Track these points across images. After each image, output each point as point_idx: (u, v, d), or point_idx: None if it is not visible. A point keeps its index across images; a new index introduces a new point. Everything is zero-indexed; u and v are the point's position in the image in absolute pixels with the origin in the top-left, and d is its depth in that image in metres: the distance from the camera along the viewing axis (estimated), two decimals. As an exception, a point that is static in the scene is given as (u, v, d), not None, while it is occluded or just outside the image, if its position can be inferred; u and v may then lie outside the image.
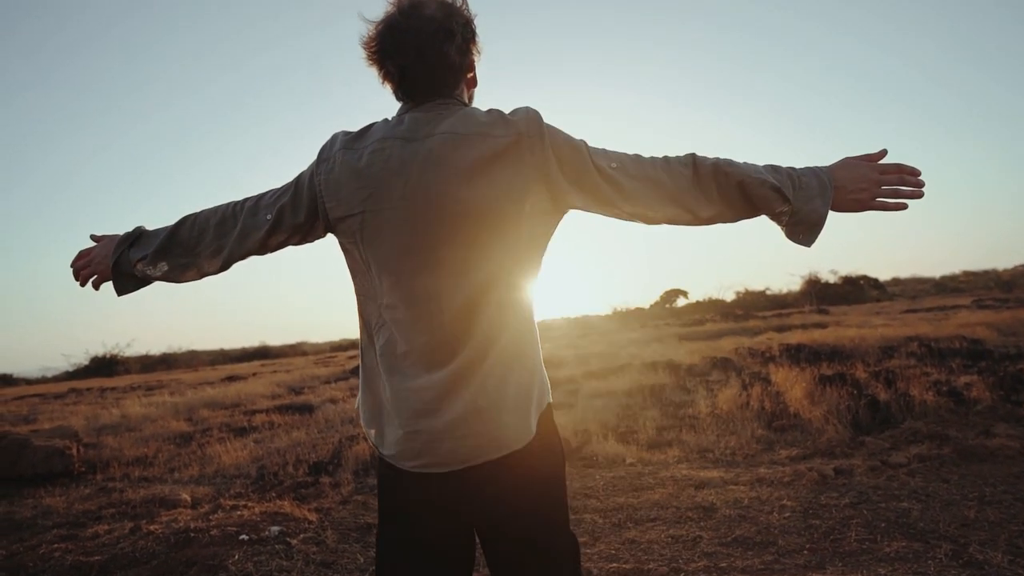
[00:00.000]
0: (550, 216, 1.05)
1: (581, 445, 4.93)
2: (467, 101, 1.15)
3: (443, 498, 1.04)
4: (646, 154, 1.07)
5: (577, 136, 1.06)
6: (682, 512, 3.23)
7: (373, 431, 1.09)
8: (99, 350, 34.63)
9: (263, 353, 38.46)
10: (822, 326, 14.09)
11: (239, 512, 3.52)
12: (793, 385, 6.06)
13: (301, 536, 3.11)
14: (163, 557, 3.00)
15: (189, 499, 4.15)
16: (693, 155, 1.06)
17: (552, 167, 1.01)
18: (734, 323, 19.33)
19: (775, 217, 1.06)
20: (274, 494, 4.02)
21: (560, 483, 1.10)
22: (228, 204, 1.18)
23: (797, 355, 8.59)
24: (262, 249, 1.15)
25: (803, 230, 1.05)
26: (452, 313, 1.00)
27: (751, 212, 1.07)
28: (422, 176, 1.00)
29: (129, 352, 34.82)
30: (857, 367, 6.74)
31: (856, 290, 30.79)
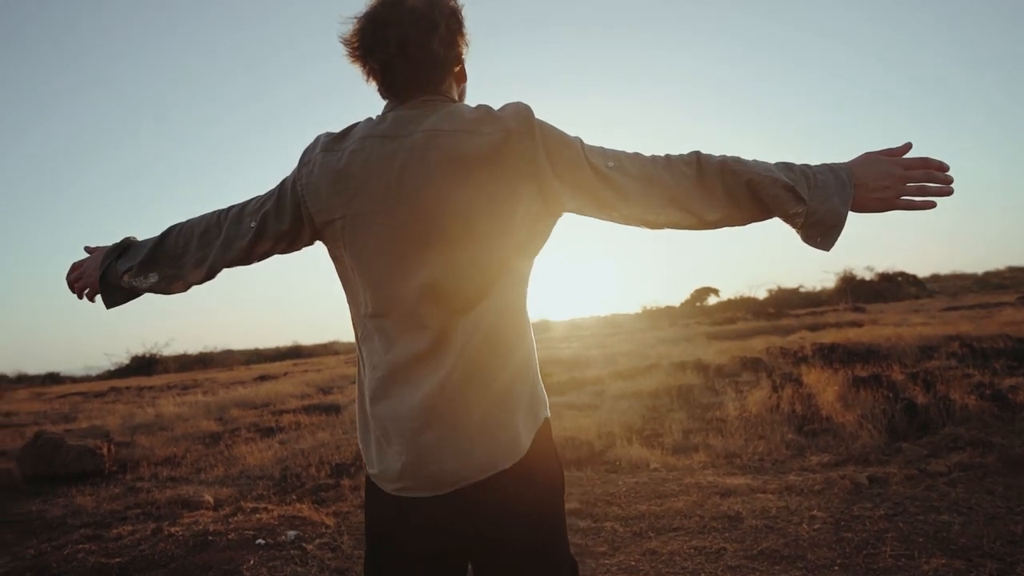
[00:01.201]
0: (542, 219, 0.98)
1: (604, 449, 4.83)
2: (456, 97, 1.08)
3: (429, 522, 0.97)
4: (647, 152, 0.99)
5: (572, 134, 0.99)
6: (706, 522, 3.12)
7: (363, 447, 1.04)
8: (139, 349, 35.72)
9: (296, 352, 39.19)
10: (857, 325, 13.66)
11: (258, 515, 3.54)
12: (826, 387, 5.86)
13: (317, 541, 3.10)
14: (181, 560, 3.03)
15: (212, 500, 4.19)
16: (697, 153, 0.98)
17: (543, 165, 0.94)
18: (766, 322, 18.90)
19: (789, 219, 0.96)
20: (294, 497, 4.04)
21: (556, 505, 1.02)
22: (214, 212, 1.14)
23: (830, 355, 8.31)
24: (247, 258, 1.11)
25: (820, 232, 0.95)
26: (435, 323, 0.94)
27: (762, 214, 0.98)
28: (403, 177, 0.95)
29: (168, 351, 35.85)
30: (894, 368, 6.48)
31: (893, 287, 29.84)
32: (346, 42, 0.99)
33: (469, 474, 0.94)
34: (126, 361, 35.85)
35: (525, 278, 1.00)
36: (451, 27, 0.99)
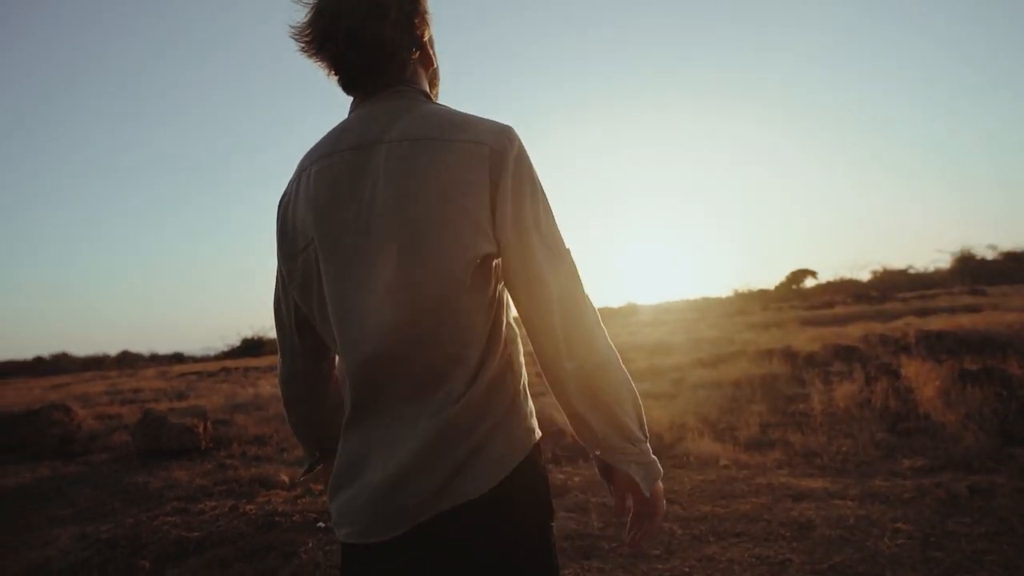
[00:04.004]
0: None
1: (674, 442, 4.65)
2: (426, 85, 1.00)
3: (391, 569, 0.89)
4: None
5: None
6: (773, 528, 2.90)
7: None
8: (248, 332, 38.72)
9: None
10: (974, 309, 12.29)
11: (323, 498, 3.70)
12: (927, 381, 5.30)
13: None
14: (249, 539, 3.22)
15: (286, 480, 4.44)
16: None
17: (501, 198, 0.85)
18: (867, 306, 17.47)
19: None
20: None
21: (540, 541, 0.92)
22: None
23: (937, 344, 7.53)
24: (314, 355, 1.04)
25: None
26: (400, 347, 0.87)
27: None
28: (372, 194, 0.87)
29: (274, 334, 38.71)
30: (1011, 361, 5.74)
31: (1021, 267, 26.55)
32: (296, 36, 0.92)
33: (429, 507, 0.86)
34: (237, 343, 39.04)
35: (503, 294, 0.92)
36: (404, 9, 0.91)
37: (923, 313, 13.03)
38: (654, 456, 0.92)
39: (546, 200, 0.90)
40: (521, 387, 0.93)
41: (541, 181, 0.91)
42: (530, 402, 0.95)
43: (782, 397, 6.12)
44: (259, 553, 2.96)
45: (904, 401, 4.97)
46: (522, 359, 0.96)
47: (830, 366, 7.69)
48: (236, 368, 21.03)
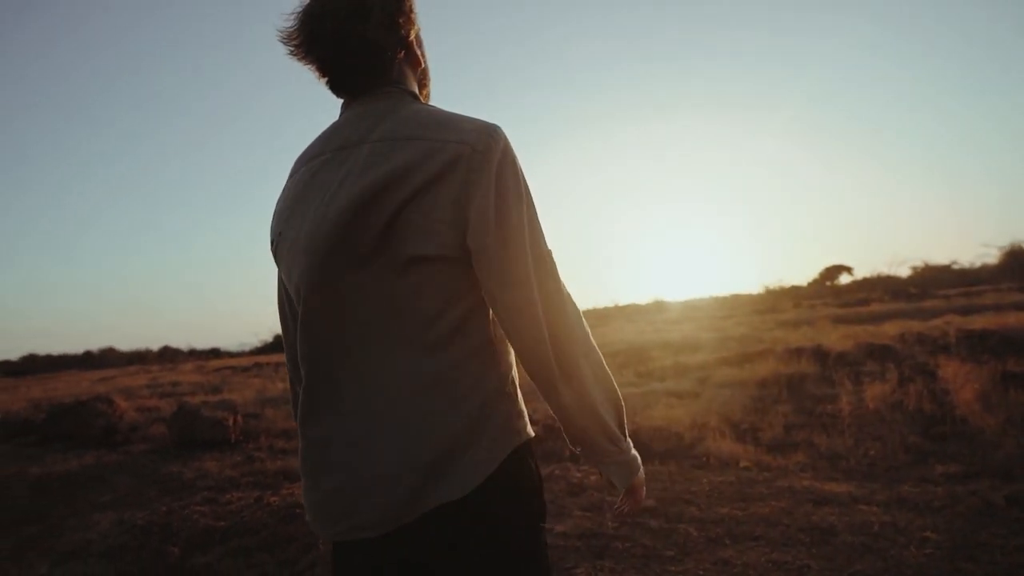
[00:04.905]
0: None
1: (694, 442, 4.57)
2: (415, 85, 1.00)
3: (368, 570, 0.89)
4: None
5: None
6: (792, 533, 2.83)
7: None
8: (279, 329, 39.74)
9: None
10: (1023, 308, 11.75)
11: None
12: (965, 382, 5.10)
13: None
14: (272, 529, 3.30)
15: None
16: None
17: (475, 200, 0.83)
18: (906, 303, 16.89)
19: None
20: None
21: (528, 548, 0.90)
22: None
23: (979, 344, 7.23)
24: None
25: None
26: (367, 343, 0.87)
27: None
28: (349, 195, 0.86)
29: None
30: (1059, 363, 5.48)
31: (1078, 261, 25.28)
32: (285, 41, 0.93)
33: (404, 509, 0.85)
34: (269, 339, 40.01)
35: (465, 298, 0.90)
36: (387, 9, 0.91)
37: (966, 311, 12.52)
38: (634, 452, 0.94)
39: (531, 201, 0.89)
40: (505, 388, 0.91)
41: (527, 182, 0.89)
42: (519, 403, 0.94)
43: (809, 397, 5.97)
44: (280, 544, 3.03)
45: (940, 404, 4.79)
46: (511, 359, 0.94)
47: (862, 366, 7.46)
48: (267, 363, 21.52)
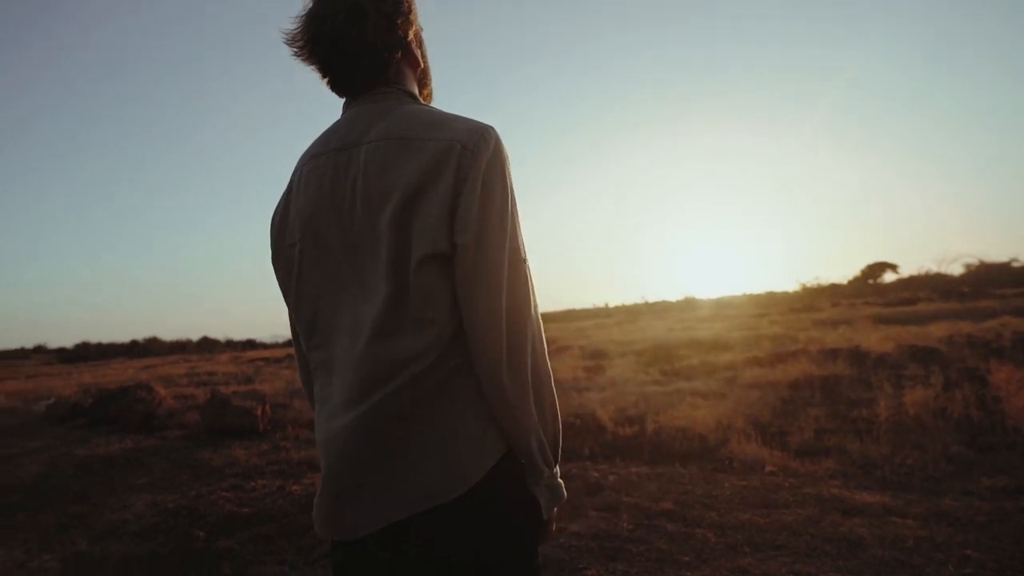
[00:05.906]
0: None
1: (718, 445, 4.41)
2: (415, 86, 1.02)
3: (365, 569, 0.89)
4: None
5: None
6: (817, 543, 2.68)
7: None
8: (308, 319, 40.74)
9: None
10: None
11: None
12: (1019, 390, 4.79)
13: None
14: (291, 518, 3.35)
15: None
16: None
17: (463, 196, 0.84)
18: (957, 303, 16.11)
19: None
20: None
21: (520, 553, 0.89)
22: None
23: (1033, 349, 6.81)
24: None
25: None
26: (370, 345, 0.86)
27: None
28: (352, 194, 0.89)
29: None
30: (1121, 370, 5.11)
31: None
32: (289, 42, 0.96)
33: (396, 510, 0.84)
34: (301, 332, 40.75)
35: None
36: (384, 11, 0.93)
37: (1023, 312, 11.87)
38: (560, 480, 0.95)
39: (514, 205, 0.89)
40: None
41: (514, 186, 0.90)
42: None
43: (844, 401, 5.72)
44: (299, 532, 3.09)
45: (988, 411, 4.51)
46: None
47: (903, 369, 7.13)
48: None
